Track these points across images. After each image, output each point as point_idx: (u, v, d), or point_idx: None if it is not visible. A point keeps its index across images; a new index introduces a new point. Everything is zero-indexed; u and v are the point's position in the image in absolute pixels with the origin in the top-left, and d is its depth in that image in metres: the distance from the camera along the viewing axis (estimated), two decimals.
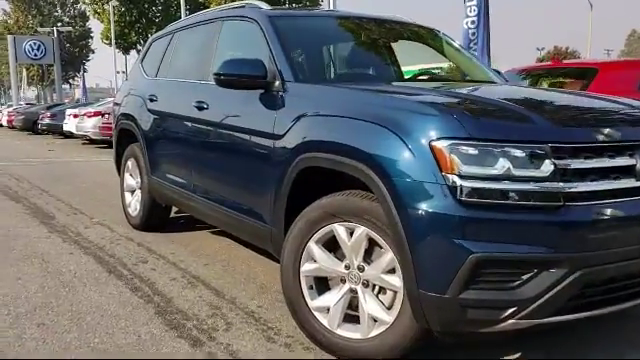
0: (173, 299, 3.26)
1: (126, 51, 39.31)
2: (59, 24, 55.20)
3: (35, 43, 39.57)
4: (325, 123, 2.58)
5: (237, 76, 3.02)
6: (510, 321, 2.04)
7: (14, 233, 4.81)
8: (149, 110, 4.48)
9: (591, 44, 40.38)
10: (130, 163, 4.95)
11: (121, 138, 5.12)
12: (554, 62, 7.25)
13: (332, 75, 3.47)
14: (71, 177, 8.58)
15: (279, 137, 2.83)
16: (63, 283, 3.51)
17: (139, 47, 37.89)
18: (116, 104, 5.36)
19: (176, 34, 4.61)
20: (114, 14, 34.91)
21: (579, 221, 2.03)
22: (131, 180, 5.01)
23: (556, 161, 2.05)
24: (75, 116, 16.71)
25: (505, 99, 2.52)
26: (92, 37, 63.54)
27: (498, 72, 4.02)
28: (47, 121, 21.39)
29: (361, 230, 2.39)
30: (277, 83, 3.00)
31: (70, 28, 52.36)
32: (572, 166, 2.07)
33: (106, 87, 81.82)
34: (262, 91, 3.07)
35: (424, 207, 2.07)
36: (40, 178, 8.42)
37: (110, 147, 14.90)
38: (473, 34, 10.21)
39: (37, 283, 3.51)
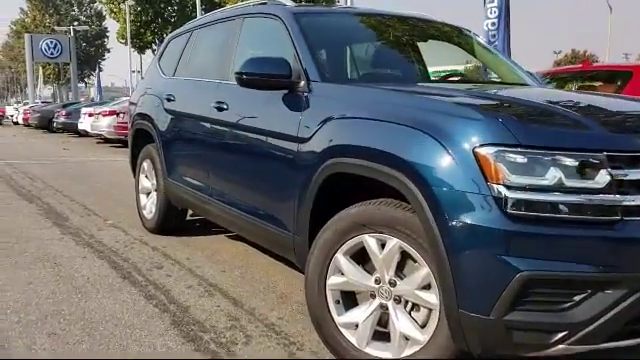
0: (189, 308, 3.10)
1: (141, 50, 39.39)
2: (76, 23, 55.59)
3: (52, 42, 39.78)
4: (355, 126, 2.42)
5: (260, 75, 2.87)
6: (560, 346, 1.86)
7: (27, 235, 4.70)
8: (166, 110, 4.34)
9: (610, 48, 39.87)
10: (146, 164, 4.82)
11: (137, 138, 4.99)
12: (585, 65, 7.04)
13: (359, 75, 3.30)
14: (85, 177, 8.49)
15: (304, 140, 2.67)
16: (75, 289, 3.38)
17: (154, 47, 37.97)
18: (132, 104, 5.23)
19: (194, 32, 4.46)
20: (130, 13, 34.98)
21: (638, 238, 1.85)
22: (146, 182, 4.88)
23: (612, 171, 1.86)
24: (90, 115, 16.69)
25: (551, 102, 2.34)
26: (108, 36, 64.01)
27: (531, 74, 3.83)
28: (62, 119, 21.42)
29: (394, 242, 2.22)
30: (302, 83, 2.84)
31: (86, 27, 52.69)
32: (630, 177, 1.89)
33: (121, 86, 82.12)
34: (285, 91, 2.91)
35: (467, 220, 1.90)
36: (54, 177, 8.33)
37: (124, 147, 14.88)
38: (493, 36, 10.04)
39: (48, 288, 3.37)
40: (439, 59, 3.93)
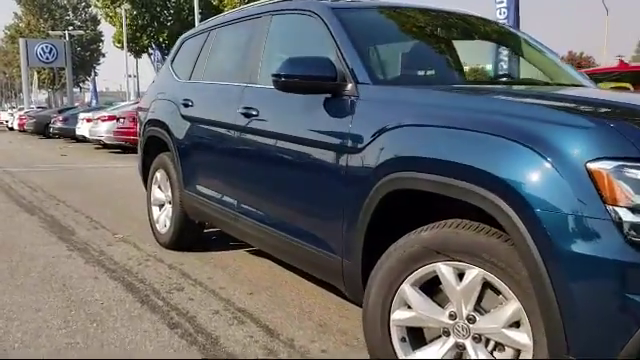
0: (219, 339, 2.77)
1: (138, 55, 39.05)
2: (70, 28, 55.15)
3: (47, 46, 39.39)
4: (424, 135, 2.09)
5: (301, 78, 2.54)
6: None
7: (30, 252, 4.35)
8: (183, 116, 4.00)
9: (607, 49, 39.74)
10: (159, 175, 4.48)
11: (149, 147, 4.65)
12: (621, 65, 6.76)
13: (412, 76, 2.97)
14: (87, 185, 8.13)
15: (355, 151, 2.34)
16: (90, 316, 3.03)
17: (150, 51, 37.62)
18: (142, 109, 4.90)
19: (213, 32, 4.13)
20: (126, 17, 34.62)
21: None
22: (160, 193, 4.54)
23: None
24: (88, 120, 16.32)
25: None
26: (103, 41, 63.69)
27: (582, 74, 3.52)
28: (59, 125, 21.03)
29: (475, 272, 1.89)
30: (349, 86, 2.51)
31: (82, 32, 52.19)
32: None
33: (115, 91, 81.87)
34: (328, 96, 2.59)
35: (579, 249, 1.57)
36: (55, 186, 7.97)
37: (124, 152, 14.55)
38: None
39: (60, 316, 3.03)
40: (484, 58, 3.62)
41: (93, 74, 48.65)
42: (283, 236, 2.89)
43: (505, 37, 3.51)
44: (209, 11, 34.92)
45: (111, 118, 14.54)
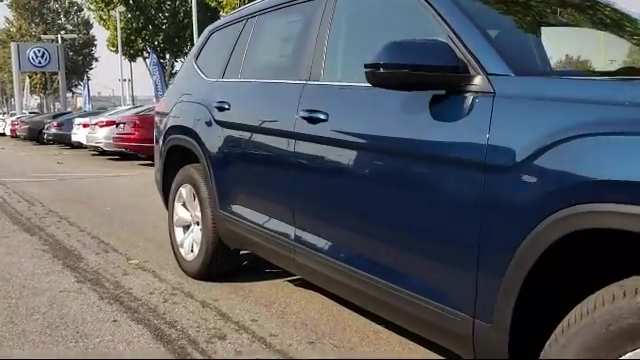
0: None
1: (132, 58, 38.29)
2: (62, 32, 54.33)
3: (39, 50, 38.54)
4: (630, 148, 1.42)
5: (413, 68, 1.87)
6: None
7: (33, 284, 3.65)
8: (218, 122, 3.32)
9: None
10: (184, 191, 3.78)
11: (171, 158, 3.96)
12: None
13: (553, 66, 2.29)
14: (90, 197, 7.41)
15: (501, 171, 1.67)
16: None
17: (145, 54, 36.88)
18: (160, 114, 4.21)
19: (251, 20, 3.44)
20: (120, 20, 33.86)
21: None
22: (184, 213, 3.84)
23: None
24: (85, 126, 15.60)
25: None
26: (96, 45, 63.03)
27: None
28: (54, 131, 20.24)
29: None
30: (477, 80, 1.84)
31: (74, 35, 51.44)
32: None
33: (108, 95, 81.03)
34: (438, 93, 1.92)
35: None
36: (54, 199, 7.25)
37: (122, 159, 13.80)
38: None
39: None
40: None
41: (86, 78, 47.62)
42: (370, 279, 2.20)
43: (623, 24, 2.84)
44: (205, 14, 34.29)
45: (110, 123, 13.80)
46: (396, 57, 1.89)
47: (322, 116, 2.45)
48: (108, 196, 7.50)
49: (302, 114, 2.56)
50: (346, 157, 2.35)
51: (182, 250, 3.84)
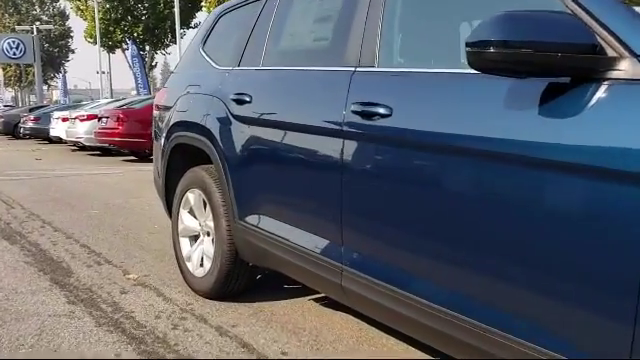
0: None
1: (111, 50, 37.31)
2: (37, 23, 52.89)
3: (14, 41, 37.24)
4: None
5: (537, 47, 1.41)
6: None
7: (17, 305, 3.13)
8: (236, 117, 2.83)
9: None
10: (192, 196, 3.28)
11: (175, 158, 3.45)
12: None
13: None
14: (75, 198, 6.84)
15: None
16: None
17: (125, 46, 35.95)
18: (161, 107, 3.70)
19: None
20: (98, 11, 32.86)
21: None
22: (192, 221, 3.35)
23: None
24: (64, 120, 14.92)
25: None
26: (72, 37, 61.69)
27: None
28: (30, 125, 19.46)
29: None
30: (625, 63, 1.39)
31: (50, 26, 50.12)
32: None
33: (84, 88, 79.42)
34: (561, 81, 1.47)
35: None
36: (35, 200, 6.66)
37: (105, 155, 13.15)
38: None
39: None
40: None
41: (63, 71, 46.45)
42: (448, 317, 1.74)
43: None
44: (186, 4, 33.44)
45: (91, 117, 13.16)
46: (514, 33, 1.42)
47: (383, 110, 1.97)
48: (94, 196, 6.94)
49: (354, 108, 2.09)
50: (419, 161, 1.89)
51: (189, 264, 3.34)
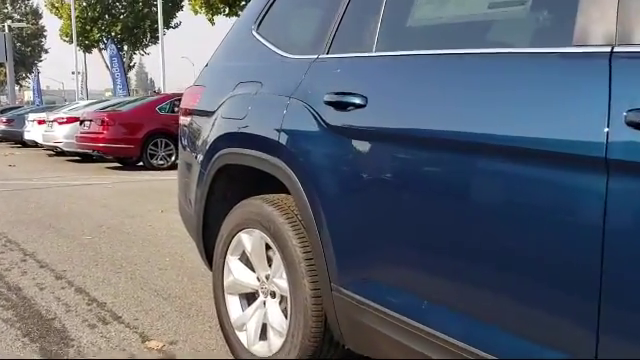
0: None
1: (87, 50, 35.87)
2: (9, 21, 51.03)
3: None
4: None
5: None
6: None
7: None
8: (335, 129, 1.86)
9: None
10: (247, 239, 2.30)
11: (220, 184, 2.46)
12: None
13: None
14: (61, 218, 5.76)
15: None
16: None
17: (102, 45, 34.56)
18: (195, 113, 2.72)
19: None
20: (75, 9, 31.43)
21: None
22: (246, 274, 2.37)
23: None
24: (41, 122, 13.74)
25: None
26: (45, 36, 60.03)
27: None
28: (3, 127, 18.19)
29: None
30: None
31: (24, 24, 48.36)
32: None
33: (57, 89, 77.38)
34: None
35: None
36: (12, 221, 5.58)
37: (86, 161, 11.98)
38: None
39: None
40: None
41: (36, 71, 44.57)
42: None
43: None
44: (167, 3, 32.13)
45: (71, 120, 12.05)
46: None
47: None
48: (82, 215, 5.87)
49: (629, 116, 1.14)
50: None
51: (242, 336, 2.35)
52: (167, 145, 10.68)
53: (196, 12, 23.18)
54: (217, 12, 22.92)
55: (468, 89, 1.55)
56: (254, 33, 2.53)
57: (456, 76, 1.62)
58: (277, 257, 2.16)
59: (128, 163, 11.32)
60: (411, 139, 1.66)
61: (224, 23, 28.25)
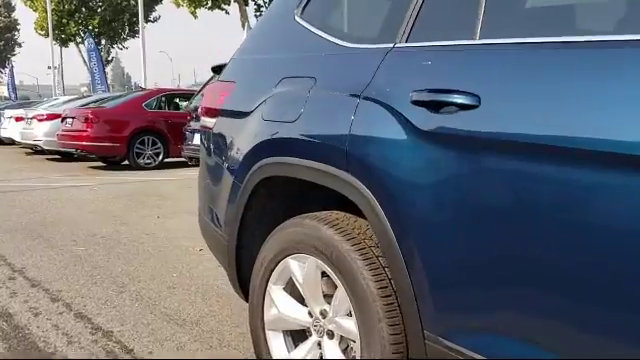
0: None
1: (64, 44, 34.93)
2: None
3: None
4: None
5: None
6: None
7: None
8: (429, 135, 1.48)
9: None
10: (296, 267, 1.91)
11: (260, 200, 2.06)
12: None
13: None
14: (49, 225, 5.28)
15: None
16: None
17: (78, 39, 33.64)
18: (225, 114, 2.31)
19: None
20: (50, 1, 30.50)
21: None
22: (294, 307, 1.97)
23: None
24: (18, 119, 13.09)
25: None
26: (19, 29, 58.79)
27: None
28: None
29: None
30: None
31: None
32: None
33: (31, 84, 75.69)
34: None
35: None
36: None
37: (66, 160, 11.38)
38: None
39: None
40: None
41: (10, 65, 43.32)
42: None
43: None
44: None
45: (51, 117, 11.49)
46: None
47: None
48: (72, 223, 5.40)
49: None
50: None
51: None
52: (154, 143, 10.20)
53: (178, 5, 22.60)
54: (200, 5, 22.35)
55: (621, 88, 1.18)
56: (298, 19, 2.13)
57: (606, 73, 1.24)
58: (341, 291, 1.77)
59: (111, 162, 10.82)
60: (542, 150, 1.28)
61: (206, 16, 27.65)
